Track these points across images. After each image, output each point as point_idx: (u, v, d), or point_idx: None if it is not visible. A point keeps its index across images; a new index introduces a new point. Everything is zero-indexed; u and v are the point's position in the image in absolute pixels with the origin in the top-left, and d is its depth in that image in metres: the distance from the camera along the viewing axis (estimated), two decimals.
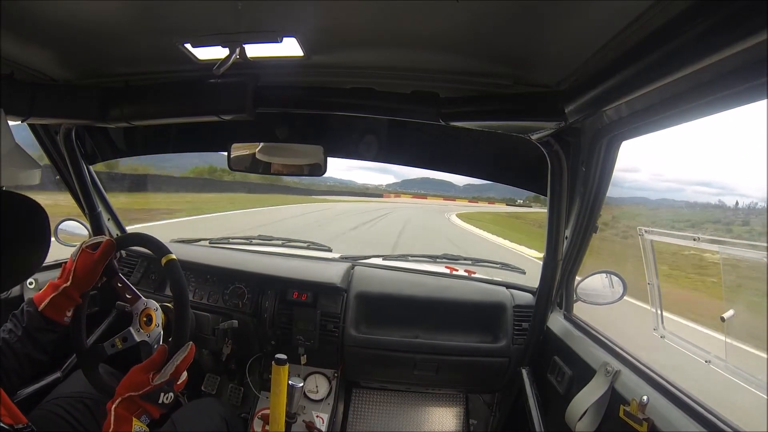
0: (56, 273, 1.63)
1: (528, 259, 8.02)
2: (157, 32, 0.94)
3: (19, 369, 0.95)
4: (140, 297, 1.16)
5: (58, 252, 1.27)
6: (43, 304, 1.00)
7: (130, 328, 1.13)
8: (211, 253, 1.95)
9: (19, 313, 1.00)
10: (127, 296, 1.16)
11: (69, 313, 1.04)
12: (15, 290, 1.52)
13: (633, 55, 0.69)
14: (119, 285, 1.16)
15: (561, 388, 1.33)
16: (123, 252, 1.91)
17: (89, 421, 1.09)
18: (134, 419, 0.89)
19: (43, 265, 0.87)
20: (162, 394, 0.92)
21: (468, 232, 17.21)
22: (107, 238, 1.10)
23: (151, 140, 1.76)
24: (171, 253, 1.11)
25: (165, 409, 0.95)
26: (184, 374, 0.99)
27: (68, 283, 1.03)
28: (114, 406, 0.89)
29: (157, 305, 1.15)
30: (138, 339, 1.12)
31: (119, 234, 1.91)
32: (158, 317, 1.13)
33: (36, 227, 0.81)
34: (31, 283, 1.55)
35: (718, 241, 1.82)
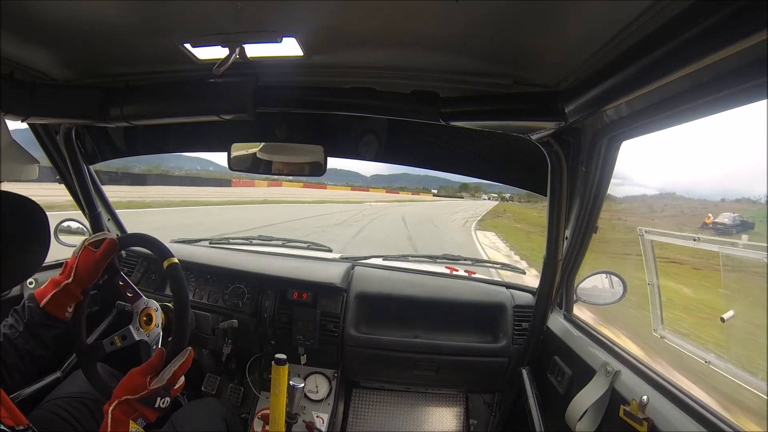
0: (56, 273, 1.64)
1: None
2: (157, 32, 0.94)
3: (21, 365, 0.95)
4: (141, 296, 1.16)
5: (57, 253, 1.27)
6: (44, 300, 1.00)
7: (130, 327, 1.13)
8: (211, 253, 1.95)
9: (21, 309, 1.00)
10: (128, 295, 1.16)
11: (70, 309, 1.04)
12: (15, 290, 1.52)
13: (633, 55, 0.69)
14: (121, 283, 1.16)
15: (561, 388, 1.33)
16: (123, 252, 1.91)
17: (89, 422, 1.09)
18: (131, 422, 0.89)
19: (43, 264, 0.87)
20: (159, 399, 0.93)
21: None
22: (110, 236, 1.10)
23: (151, 140, 1.76)
24: (173, 256, 1.12)
25: (161, 413, 0.96)
26: (182, 379, 1.00)
27: (70, 279, 1.03)
28: (111, 408, 0.89)
29: (158, 305, 1.15)
30: (137, 338, 1.12)
31: (119, 234, 1.91)
32: (158, 317, 1.13)
33: (36, 228, 0.81)
34: (31, 283, 1.55)
35: (718, 242, 1.83)
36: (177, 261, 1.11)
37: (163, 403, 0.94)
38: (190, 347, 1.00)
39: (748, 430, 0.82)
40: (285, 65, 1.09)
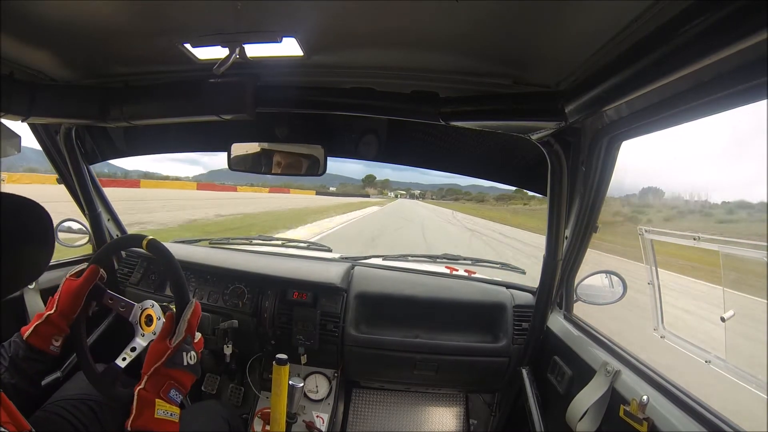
0: (57, 273, 1.64)
1: None
2: (157, 32, 0.94)
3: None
4: (134, 304, 1.15)
5: (57, 253, 1.27)
6: (27, 332, 0.99)
7: (135, 338, 1.12)
8: (211, 254, 1.96)
9: (7, 345, 1.00)
10: (121, 308, 1.15)
11: (56, 343, 1.02)
12: None
13: (633, 55, 0.69)
14: (110, 301, 1.15)
15: (561, 387, 1.33)
16: (123, 252, 1.91)
17: (93, 423, 1.08)
18: (159, 401, 0.87)
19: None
20: (184, 354, 0.93)
21: None
22: (91, 265, 1.10)
23: (151, 140, 1.76)
24: (146, 236, 1.12)
25: (193, 373, 0.95)
26: (200, 335, 1.01)
27: (52, 310, 1.02)
28: (139, 387, 0.88)
29: (153, 302, 1.14)
30: (145, 343, 1.10)
31: (119, 234, 1.91)
32: (157, 311, 1.13)
33: (39, 229, 0.80)
34: (31, 284, 1.55)
35: (718, 241, 1.83)
36: (152, 237, 1.11)
37: (190, 358, 0.94)
38: (194, 299, 1.01)
39: (748, 430, 0.82)
40: (285, 65, 1.09)
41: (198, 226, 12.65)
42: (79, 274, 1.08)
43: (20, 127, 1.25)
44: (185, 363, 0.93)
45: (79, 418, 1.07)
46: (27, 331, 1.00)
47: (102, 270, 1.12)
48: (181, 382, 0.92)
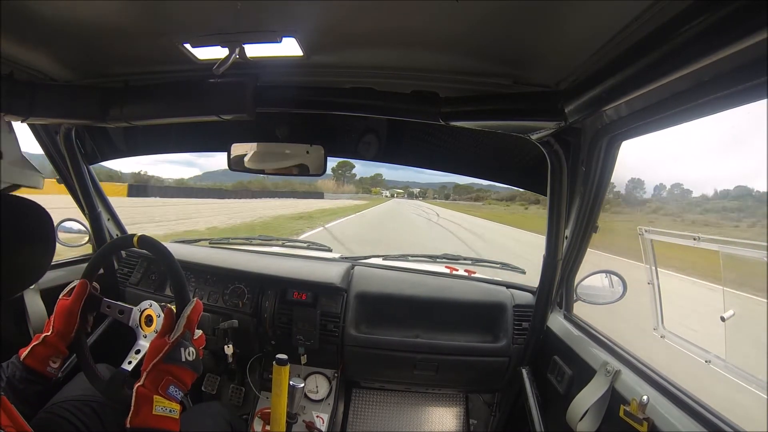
0: (58, 273, 1.64)
1: None
2: (157, 32, 0.94)
3: None
4: (131, 308, 1.14)
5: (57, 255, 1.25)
6: (24, 353, 0.99)
7: (138, 340, 1.12)
8: (212, 254, 1.96)
9: (5, 365, 0.99)
10: (120, 315, 1.14)
11: (54, 364, 1.02)
12: None
13: (633, 55, 0.69)
14: (108, 309, 1.15)
15: (561, 387, 1.33)
16: (123, 252, 1.91)
17: (96, 425, 1.07)
18: (157, 398, 0.86)
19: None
20: (182, 350, 0.92)
21: None
22: (80, 280, 1.09)
23: (151, 140, 1.76)
24: (135, 234, 1.12)
25: (193, 369, 0.94)
26: (200, 332, 1.00)
27: (49, 332, 1.02)
28: (138, 384, 0.87)
29: (151, 302, 1.14)
30: (148, 344, 1.11)
31: (119, 234, 1.91)
32: (156, 309, 1.13)
33: (41, 229, 0.80)
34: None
35: (718, 241, 1.83)
36: (142, 234, 1.11)
37: (188, 354, 0.93)
38: (195, 298, 1.00)
39: (748, 430, 0.82)
40: (285, 65, 1.09)
41: None
42: (71, 292, 1.08)
43: (20, 128, 1.25)
44: (183, 359, 0.92)
45: (82, 420, 1.07)
46: (24, 352, 0.99)
47: (94, 283, 1.11)
48: (180, 378, 0.91)
